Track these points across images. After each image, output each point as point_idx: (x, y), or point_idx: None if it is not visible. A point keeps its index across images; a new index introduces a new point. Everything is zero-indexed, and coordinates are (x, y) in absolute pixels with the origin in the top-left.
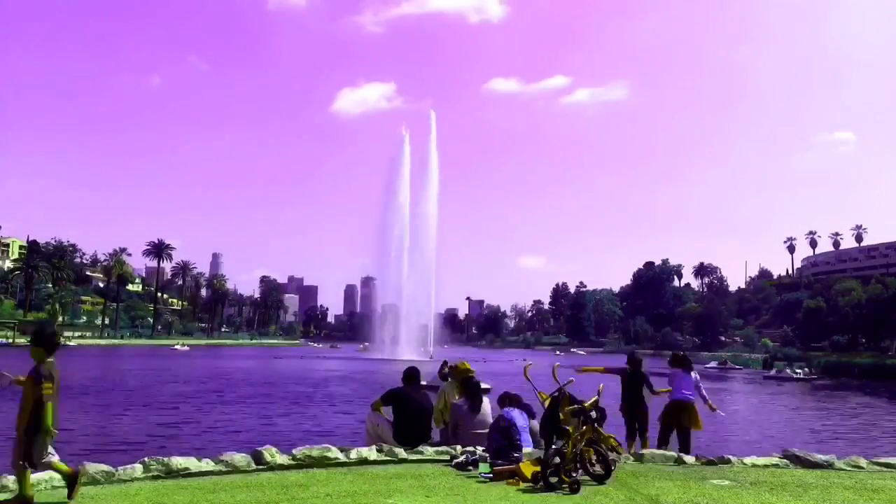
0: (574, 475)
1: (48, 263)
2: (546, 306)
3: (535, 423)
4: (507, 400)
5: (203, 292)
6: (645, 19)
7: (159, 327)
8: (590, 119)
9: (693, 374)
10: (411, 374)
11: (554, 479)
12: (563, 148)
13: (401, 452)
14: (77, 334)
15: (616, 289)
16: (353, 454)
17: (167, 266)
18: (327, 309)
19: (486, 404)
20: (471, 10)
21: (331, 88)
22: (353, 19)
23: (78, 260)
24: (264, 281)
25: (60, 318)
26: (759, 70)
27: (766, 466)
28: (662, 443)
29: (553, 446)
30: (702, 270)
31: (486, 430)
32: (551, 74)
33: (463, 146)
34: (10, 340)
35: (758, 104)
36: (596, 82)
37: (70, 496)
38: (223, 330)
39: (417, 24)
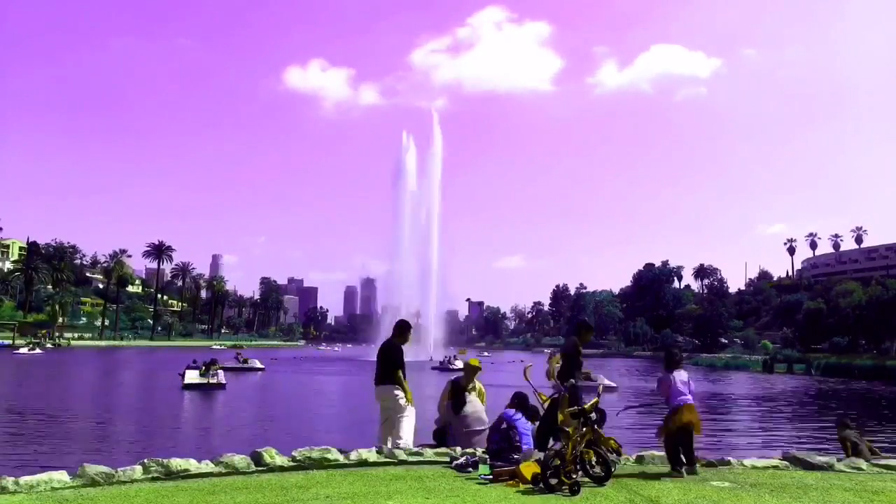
0: (574, 477)
1: (48, 265)
2: (546, 307)
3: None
4: (515, 400)
5: (203, 294)
6: (644, 18)
7: (159, 328)
8: (591, 118)
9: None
10: (402, 325)
11: (554, 481)
12: (564, 147)
13: (400, 454)
14: (76, 335)
15: (616, 290)
16: (353, 456)
17: (167, 267)
18: (327, 310)
19: (477, 404)
20: None
21: (333, 90)
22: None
23: (78, 261)
24: (264, 282)
25: (60, 320)
26: (759, 70)
27: (766, 468)
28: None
29: (552, 447)
30: (702, 272)
31: (481, 430)
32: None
33: (461, 145)
34: (11, 342)
35: (757, 104)
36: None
37: None
38: (223, 331)
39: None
